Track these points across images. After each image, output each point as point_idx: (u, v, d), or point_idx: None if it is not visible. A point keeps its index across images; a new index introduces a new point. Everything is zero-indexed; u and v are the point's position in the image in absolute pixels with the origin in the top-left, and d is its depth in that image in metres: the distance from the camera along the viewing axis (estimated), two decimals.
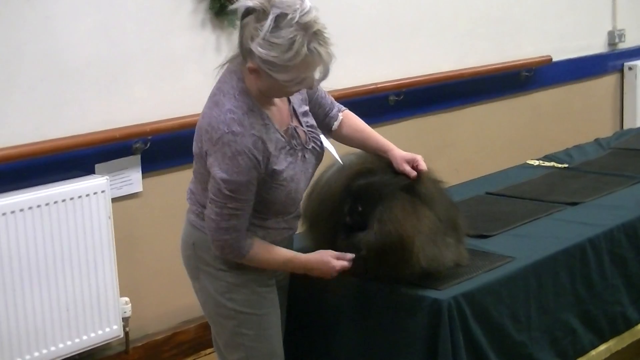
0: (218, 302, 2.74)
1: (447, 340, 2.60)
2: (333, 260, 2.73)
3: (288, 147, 2.69)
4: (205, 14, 4.13)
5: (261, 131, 2.61)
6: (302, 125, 2.78)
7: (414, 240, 2.68)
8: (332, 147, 2.94)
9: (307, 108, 2.85)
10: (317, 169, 2.86)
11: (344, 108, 3.02)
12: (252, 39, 2.50)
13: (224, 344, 2.81)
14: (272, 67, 2.51)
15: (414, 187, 2.81)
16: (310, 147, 2.77)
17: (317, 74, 2.61)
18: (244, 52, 2.56)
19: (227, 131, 2.55)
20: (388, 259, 2.70)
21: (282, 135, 2.67)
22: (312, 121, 2.83)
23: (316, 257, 2.75)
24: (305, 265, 2.75)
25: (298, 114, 2.79)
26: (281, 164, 2.66)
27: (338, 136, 3.00)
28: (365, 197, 2.76)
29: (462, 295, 2.67)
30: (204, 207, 2.68)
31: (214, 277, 2.73)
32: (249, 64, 2.55)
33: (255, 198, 2.63)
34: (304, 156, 2.75)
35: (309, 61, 2.53)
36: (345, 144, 3.01)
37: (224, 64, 2.70)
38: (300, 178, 2.73)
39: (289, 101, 2.77)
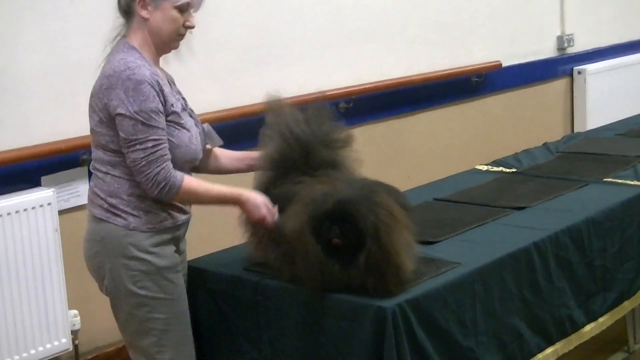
0: (130, 292, 2.84)
1: (392, 348, 2.60)
2: (263, 207, 2.85)
3: (181, 103, 2.91)
4: None
5: (153, 72, 2.79)
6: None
7: (406, 259, 2.72)
8: (212, 130, 3.08)
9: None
10: None
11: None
12: None
13: (134, 331, 2.90)
14: None
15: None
16: (194, 116, 2.99)
17: None
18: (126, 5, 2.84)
19: (123, 69, 2.74)
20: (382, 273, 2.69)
21: (172, 93, 2.88)
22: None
23: (249, 194, 2.86)
24: (238, 197, 2.85)
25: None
26: (178, 108, 2.85)
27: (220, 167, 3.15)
28: (349, 214, 2.69)
29: (407, 302, 2.67)
30: (111, 196, 2.81)
31: (125, 268, 2.83)
32: (139, 4, 2.81)
33: None
34: (196, 123, 2.96)
35: None
36: (223, 173, 3.16)
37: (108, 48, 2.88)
38: (196, 135, 2.91)
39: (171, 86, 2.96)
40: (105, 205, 2.84)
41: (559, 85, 6.66)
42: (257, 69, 4.65)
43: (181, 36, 2.90)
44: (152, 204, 2.83)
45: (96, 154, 2.88)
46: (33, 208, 3.66)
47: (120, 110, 2.72)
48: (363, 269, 2.68)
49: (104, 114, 2.78)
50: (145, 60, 2.82)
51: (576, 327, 3.38)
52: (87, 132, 3.82)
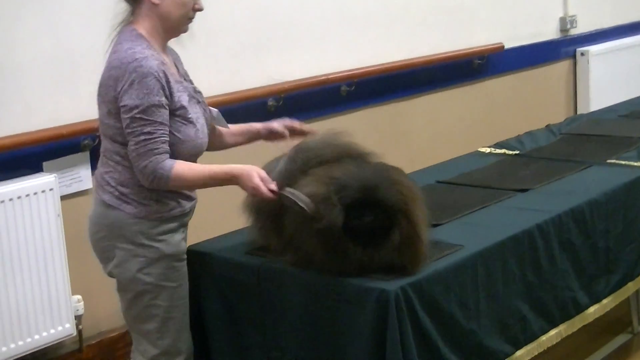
0: (135, 279, 2.87)
1: (395, 331, 2.60)
2: (256, 177, 2.78)
3: (188, 93, 2.89)
4: None
5: (161, 62, 2.79)
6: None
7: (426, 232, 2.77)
8: (221, 115, 3.09)
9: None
10: None
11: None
12: None
13: (136, 316, 2.93)
14: None
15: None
16: (202, 100, 2.99)
17: None
18: None
19: (130, 60, 2.73)
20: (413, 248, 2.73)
21: (179, 80, 2.88)
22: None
23: (241, 168, 2.81)
24: (230, 172, 2.81)
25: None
26: (184, 101, 2.84)
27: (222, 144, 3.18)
28: (378, 197, 2.69)
29: (409, 285, 2.66)
30: (122, 185, 2.82)
31: (131, 254, 2.85)
32: None
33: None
34: (204, 108, 2.98)
35: None
36: (225, 149, 3.20)
37: (113, 35, 2.86)
38: (202, 127, 2.91)
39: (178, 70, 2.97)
40: (116, 193, 2.85)
41: (561, 67, 6.64)
42: (258, 53, 4.63)
43: (190, 20, 2.90)
44: (162, 193, 2.85)
45: (105, 143, 2.89)
46: (35, 194, 3.65)
47: (123, 102, 2.73)
48: (396, 247, 2.69)
49: (112, 105, 2.78)
50: (153, 49, 2.81)
51: (579, 309, 3.37)
52: (89, 117, 3.87)
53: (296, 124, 3.10)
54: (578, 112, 6.51)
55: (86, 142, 3.89)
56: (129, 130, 2.74)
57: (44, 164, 3.80)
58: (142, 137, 2.73)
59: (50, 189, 3.70)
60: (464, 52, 5.74)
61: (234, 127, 3.19)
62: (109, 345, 4.08)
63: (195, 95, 2.97)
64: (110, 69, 2.78)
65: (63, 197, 3.80)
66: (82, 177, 3.91)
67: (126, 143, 2.79)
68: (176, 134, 2.81)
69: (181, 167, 2.78)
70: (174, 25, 2.87)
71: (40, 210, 3.67)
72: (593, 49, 6.69)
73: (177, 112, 2.82)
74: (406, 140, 5.43)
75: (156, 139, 2.74)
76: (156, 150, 2.74)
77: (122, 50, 2.78)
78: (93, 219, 2.94)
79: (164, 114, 2.76)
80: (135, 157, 2.75)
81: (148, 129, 2.73)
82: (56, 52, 3.81)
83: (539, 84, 6.41)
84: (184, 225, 2.96)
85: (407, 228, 2.70)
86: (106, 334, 4.10)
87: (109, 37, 2.88)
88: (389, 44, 5.29)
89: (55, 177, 3.73)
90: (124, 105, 2.73)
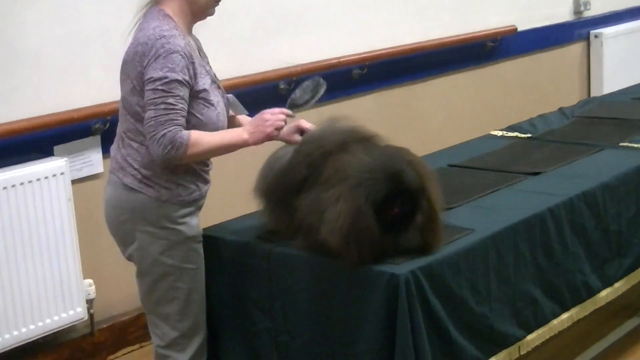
0: (157, 261, 2.87)
1: (405, 315, 2.59)
2: (267, 114, 2.87)
3: (210, 77, 2.92)
4: None
5: (187, 42, 2.80)
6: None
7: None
8: (237, 100, 3.11)
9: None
10: None
11: None
12: None
13: (157, 299, 2.93)
14: None
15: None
16: (221, 87, 3.01)
17: None
18: None
19: (158, 37, 2.74)
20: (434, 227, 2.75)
21: (202, 64, 2.88)
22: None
23: (251, 121, 2.91)
24: (240, 136, 2.86)
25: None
26: (207, 84, 2.86)
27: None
28: (403, 184, 2.69)
29: (420, 269, 2.65)
30: (145, 167, 2.82)
31: (154, 237, 2.86)
32: None
33: (189, 125, 2.78)
34: (222, 94, 2.99)
35: None
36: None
37: (139, 16, 2.87)
38: (223, 111, 2.93)
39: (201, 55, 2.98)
40: (139, 176, 2.84)
41: (575, 49, 6.60)
42: (270, 37, 4.62)
43: (217, 2, 2.91)
44: (183, 176, 2.85)
45: (127, 123, 2.86)
46: (46, 178, 3.66)
47: (148, 75, 2.73)
48: (419, 228, 2.69)
49: (137, 81, 2.78)
50: (180, 30, 2.82)
51: (591, 292, 3.36)
52: (100, 101, 3.88)
53: (306, 125, 3.05)
54: (591, 95, 6.47)
55: (97, 126, 3.89)
56: (150, 100, 2.72)
57: (55, 148, 3.80)
58: (163, 107, 2.71)
59: (62, 173, 3.70)
60: (477, 34, 5.71)
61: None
62: (120, 329, 4.10)
63: (215, 80, 2.98)
64: (137, 46, 2.78)
65: (74, 181, 3.81)
66: (92, 161, 3.92)
67: None
68: (198, 116, 2.82)
69: (198, 135, 2.78)
70: (202, 8, 2.88)
71: (51, 195, 3.67)
72: (607, 31, 6.65)
73: (199, 95, 2.82)
74: (418, 123, 5.41)
75: (177, 111, 2.73)
76: (176, 121, 2.73)
77: (149, 27, 2.78)
78: (112, 202, 2.92)
79: (186, 92, 2.76)
80: (153, 125, 2.72)
81: (170, 100, 2.72)
82: (67, 36, 3.81)
83: (552, 66, 6.37)
84: (200, 208, 2.98)
85: (427, 207, 2.71)
86: (118, 317, 4.11)
87: (135, 17, 2.88)
88: (401, 27, 5.26)
89: (66, 161, 3.74)
90: (148, 78, 2.73)
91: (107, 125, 3.90)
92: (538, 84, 6.24)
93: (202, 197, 2.96)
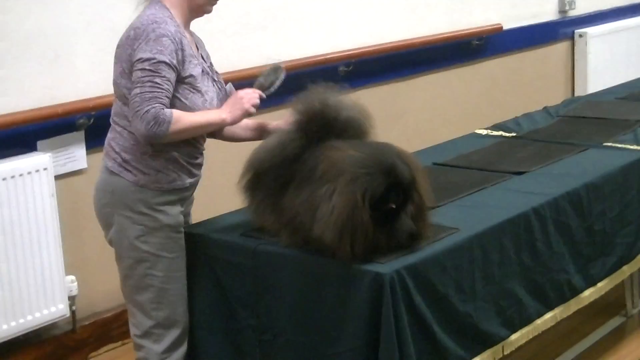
0: (133, 246, 2.91)
1: (390, 314, 2.58)
2: (241, 92, 2.97)
3: (202, 68, 2.95)
4: None
5: (179, 30, 2.86)
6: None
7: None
8: (234, 88, 3.13)
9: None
10: None
11: None
12: None
13: (133, 285, 2.96)
14: None
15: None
16: (218, 80, 3.07)
17: None
18: None
19: (150, 22, 2.82)
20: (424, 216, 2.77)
21: (194, 55, 2.93)
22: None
23: (227, 101, 2.98)
24: (219, 116, 2.92)
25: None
26: (196, 72, 2.90)
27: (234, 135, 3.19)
28: (398, 178, 2.69)
29: (404, 269, 2.65)
30: (125, 151, 2.88)
31: (131, 222, 2.90)
32: None
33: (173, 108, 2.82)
34: (219, 88, 3.04)
35: None
36: (236, 141, 3.21)
37: (139, 9, 2.92)
38: (212, 100, 2.97)
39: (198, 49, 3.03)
40: (119, 160, 2.89)
41: (560, 48, 6.61)
42: (256, 33, 4.61)
43: (215, 1, 2.99)
44: (165, 164, 2.89)
45: (116, 106, 2.94)
46: (29, 173, 3.63)
47: (136, 56, 2.79)
48: (410, 218, 2.69)
49: (127, 64, 2.84)
50: (175, 20, 2.88)
51: (575, 292, 3.36)
52: (84, 96, 3.86)
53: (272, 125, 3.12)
54: (576, 94, 6.48)
55: (81, 121, 3.87)
56: (137, 79, 2.78)
57: (39, 143, 3.78)
58: (149, 85, 2.76)
59: (45, 169, 3.67)
60: (463, 32, 5.71)
61: (248, 122, 3.18)
62: (103, 325, 4.07)
63: (210, 72, 3.03)
64: (130, 30, 2.85)
65: (57, 177, 3.78)
66: (76, 156, 3.89)
67: None
68: (183, 100, 2.87)
69: (180, 114, 2.82)
70: (200, 4, 2.95)
71: (34, 190, 3.65)
72: (591, 30, 6.66)
73: (185, 80, 2.87)
74: (404, 121, 5.41)
75: (162, 90, 2.78)
76: (161, 100, 2.77)
77: (144, 15, 2.86)
78: (98, 186, 2.99)
79: (172, 75, 2.81)
80: (138, 101, 2.76)
81: (157, 79, 2.77)
82: (51, 29, 3.78)
83: (537, 65, 6.38)
84: (184, 200, 2.99)
85: (418, 198, 2.72)
86: (100, 314, 4.09)
87: (136, 9, 2.94)
88: (387, 24, 5.26)
89: (49, 156, 3.71)
90: (138, 59, 2.78)
91: (92, 120, 3.87)
92: (523, 82, 6.25)
93: (186, 188, 2.97)
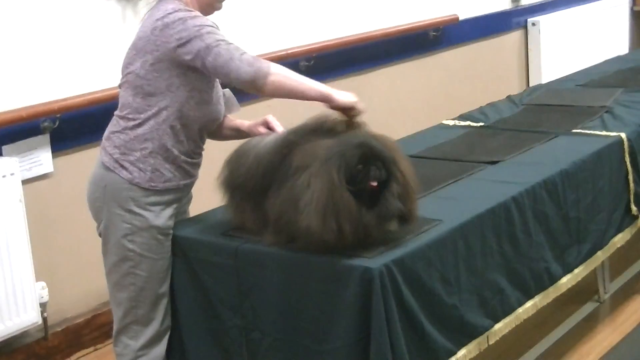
0: (119, 243, 2.90)
1: (380, 309, 2.55)
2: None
3: None
4: None
5: None
6: None
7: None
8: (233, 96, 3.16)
9: None
10: None
11: None
12: None
13: (115, 282, 2.96)
14: None
15: None
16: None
17: None
18: None
19: (176, 9, 2.79)
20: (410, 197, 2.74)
21: None
22: None
23: (339, 93, 2.94)
24: (328, 92, 2.89)
25: None
26: None
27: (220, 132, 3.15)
28: (379, 158, 2.66)
29: (393, 262, 2.62)
30: (122, 148, 2.85)
31: (120, 219, 2.88)
32: None
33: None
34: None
35: None
36: (220, 140, 3.17)
37: (147, 9, 2.92)
38: (220, 97, 3.02)
39: None
40: (116, 156, 2.87)
41: (513, 37, 6.65)
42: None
43: None
44: (162, 163, 2.87)
45: (125, 99, 2.89)
46: None
47: (180, 35, 2.76)
48: (397, 198, 2.65)
49: (154, 55, 2.79)
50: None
51: (553, 279, 3.37)
52: (48, 99, 3.77)
53: (274, 124, 3.06)
54: (531, 83, 6.52)
55: (46, 124, 3.79)
56: (212, 43, 2.75)
57: (4, 147, 3.70)
58: (224, 42, 2.78)
59: (12, 174, 3.60)
60: (420, 24, 5.72)
61: (230, 123, 3.16)
62: (74, 331, 4.00)
63: None
64: (154, 22, 2.80)
65: (24, 182, 3.70)
66: (42, 160, 3.81)
67: (151, 95, 2.82)
68: (208, 92, 2.90)
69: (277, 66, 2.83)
70: (210, 1, 2.94)
71: (1, 196, 3.56)
72: (544, 18, 6.71)
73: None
74: (366, 114, 5.37)
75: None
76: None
77: (162, 8, 2.82)
78: (90, 179, 2.97)
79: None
80: (225, 53, 2.75)
81: (225, 37, 2.79)
82: (12, 32, 3.69)
83: (493, 54, 6.41)
84: (176, 202, 2.96)
85: (401, 177, 2.69)
86: (72, 320, 4.02)
87: (146, 7, 2.93)
88: (347, 18, 5.25)
89: (16, 160, 3.63)
90: (184, 36, 2.75)
91: (57, 123, 3.80)
92: (480, 72, 6.27)
93: (180, 189, 2.95)
